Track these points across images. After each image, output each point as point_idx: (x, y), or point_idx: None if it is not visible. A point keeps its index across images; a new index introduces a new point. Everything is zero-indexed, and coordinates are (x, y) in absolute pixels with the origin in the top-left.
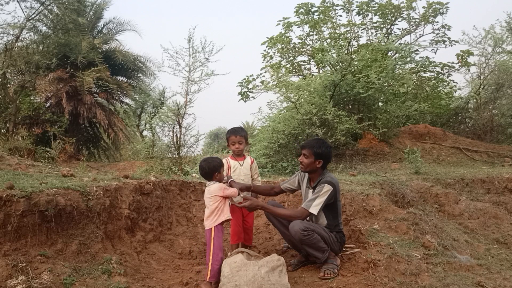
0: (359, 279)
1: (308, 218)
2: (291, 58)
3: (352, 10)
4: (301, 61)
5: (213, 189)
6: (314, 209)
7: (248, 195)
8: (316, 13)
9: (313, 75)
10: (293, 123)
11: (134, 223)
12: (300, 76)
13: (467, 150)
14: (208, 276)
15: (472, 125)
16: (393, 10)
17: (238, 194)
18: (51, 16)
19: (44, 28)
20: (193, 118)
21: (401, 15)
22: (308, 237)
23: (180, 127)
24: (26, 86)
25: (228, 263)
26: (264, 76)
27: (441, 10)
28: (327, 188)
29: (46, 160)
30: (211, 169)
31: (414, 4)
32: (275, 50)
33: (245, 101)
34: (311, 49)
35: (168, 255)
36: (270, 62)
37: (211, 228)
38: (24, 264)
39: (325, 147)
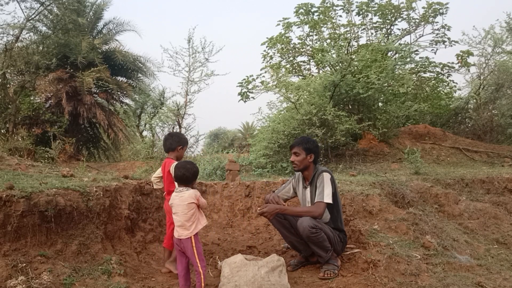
0: (359, 279)
1: None
2: (291, 58)
3: (352, 11)
4: (301, 62)
5: (187, 195)
6: (328, 198)
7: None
8: (316, 14)
9: (313, 75)
10: (293, 124)
11: (134, 223)
12: (300, 77)
13: (467, 151)
14: (203, 284)
15: (472, 125)
16: (393, 11)
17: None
18: (51, 17)
19: (44, 28)
20: (193, 119)
21: (401, 16)
22: (315, 234)
23: (180, 127)
24: (26, 86)
25: (228, 263)
26: (264, 76)
27: (441, 11)
28: (326, 176)
29: (46, 160)
30: (194, 175)
31: (414, 5)
32: (275, 50)
33: (245, 101)
34: (311, 49)
35: None
36: (270, 63)
37: (190, 238)
38: (24, 264)
39: (312, 141)
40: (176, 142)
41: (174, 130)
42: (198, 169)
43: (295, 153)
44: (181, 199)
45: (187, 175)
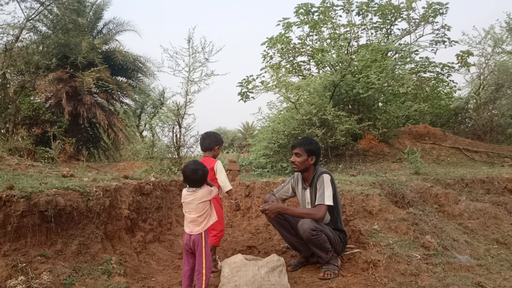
0: (359, 279)
1: None
2: (291, 58)
3: (352, 11)
4: (301, 61)
5: (201, 195)
6: (329, 200)
7: (272, 197)
8: (316, 14)
9: (313, 75)
10: (293, 124)
11: (134, 223)
12: (300, 77)
13: (467, 151)
14: (204, 286)
15: (472, 126)
16: (393, 11)
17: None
18: (51, 17)
19: (44, 28)
20: (193, 118)
21: (401, 16)
22: (316, 236)
23: (180, 127)
24: (26, 86)
25: (228, 263)
26: (264, 76)
27: (441, 11)
28: (326, 178)
29: (46, 160)
30: (204, 177)
31: (414, 5)
32: (275, 50)
33: (245, 101)
34: (311, 49)
35: (168, 255)
36: (270, 63)
37: (201, 233)
38: (24, 264)
39: (315, 143)
40: (213, 142)
41: (174, 130)
42: (207, 170)
43: (296, 153)
44: (195, 198)
45: (197, 179)
